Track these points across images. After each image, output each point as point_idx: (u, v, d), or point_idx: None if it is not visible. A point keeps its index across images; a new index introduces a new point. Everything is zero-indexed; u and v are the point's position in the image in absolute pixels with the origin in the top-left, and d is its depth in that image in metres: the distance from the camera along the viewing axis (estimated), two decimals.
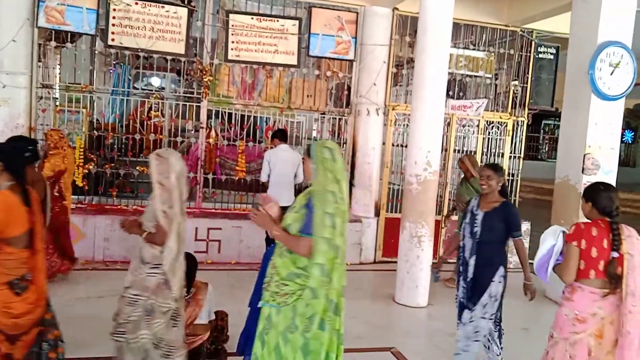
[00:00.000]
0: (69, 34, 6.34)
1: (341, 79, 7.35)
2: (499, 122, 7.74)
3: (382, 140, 7.23)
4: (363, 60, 7.06)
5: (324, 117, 7.49)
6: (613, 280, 2.83)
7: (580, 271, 2.89)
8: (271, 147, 6.30)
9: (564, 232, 3.01)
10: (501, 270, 3.67)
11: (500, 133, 7.76)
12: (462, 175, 6.36)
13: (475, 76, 7.64)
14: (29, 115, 6.13)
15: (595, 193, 2.97)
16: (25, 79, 6.01)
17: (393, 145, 7.34)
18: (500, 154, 7.78)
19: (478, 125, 7.60)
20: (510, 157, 7.82)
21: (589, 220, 2.97)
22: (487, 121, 7.65)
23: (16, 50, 5.89)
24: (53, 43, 6.37)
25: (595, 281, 2.87)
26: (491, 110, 7.71)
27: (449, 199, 7.47)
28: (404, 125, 7.19)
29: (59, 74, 7.45)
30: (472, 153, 7.56)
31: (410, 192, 5.53)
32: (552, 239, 3.02)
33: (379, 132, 7.18)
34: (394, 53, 7.14)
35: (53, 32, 6.29)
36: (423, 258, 5.46)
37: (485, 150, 7.71)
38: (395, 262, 5.76)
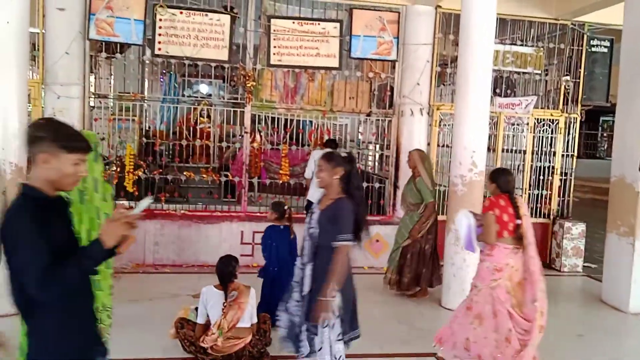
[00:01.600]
0: (119, 44, 6.56)
1: (384, 80, 7.28)
2: (550, 120, 7.45)
3: (427, 141, 7.10)
4: (406, 60, 6.95)
5: (367, 119, 7.43)
6: (519, 240, 3.78)
7: (496, 233, 3.77)
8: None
9: (471, 212, 3.94)
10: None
11: (552, 131, 7.46)
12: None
13: (524, 73, 7.38)
14: (82, 125, 6.37)
15: (498, 175, 3.98)
16: (78, 89, 6.25)
17: (438, 145, 7.19)
18: (553, 153, 7.48)
19: (528, 124, 7.34)
20: (563, 155, 7.51)
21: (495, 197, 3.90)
22: (537, 119, 7.38)
23: (69, 62, 6.13)
24: (104, 54, 6.63)
25: (508, 239, 3.78)
26: (541, 108, 7.43)
27: None
28: (449, 125, 7.04)
29: (111, 83, 7.73)
30: (522, 152, 7.32)
31: (455, 194, 5.39)
32: (466, 220, 3.84)
33: (424, 133, 7.05)
34: (438, 52, 7.00)
35: (103, 43, 6.54)
36: (470, 261, 5.30)
37: (536, 149, 7.44)
38: (442, 265, 5.64)
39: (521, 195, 3.77)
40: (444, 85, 7.75)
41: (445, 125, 7.14)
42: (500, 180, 3.94)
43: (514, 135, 7.41)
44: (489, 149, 6.17)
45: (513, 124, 7.37)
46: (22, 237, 1.75)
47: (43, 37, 6.11)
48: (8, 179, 4.56)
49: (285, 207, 4.80)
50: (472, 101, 5.30)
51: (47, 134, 1.86)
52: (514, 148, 7.37)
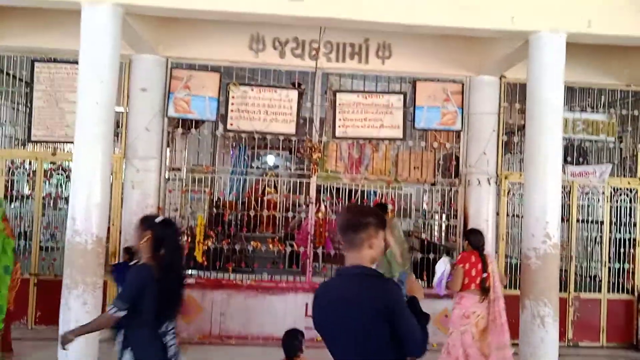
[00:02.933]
0: (194, 120, 6.95)
1: (449, 150, 7.23)
2: (627, 189, 7.05)
3: (496, 211, 6.88)
4: (471, 129, 6.91)
5: (432, 188, 7.34)
6: (485, 291, 4.51)
7: (465, 284, 4.55)
8: None
9: (450, 260, 4.76)
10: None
11: (631, 200, 7.05)
12: None
13: (596, 140, 7.12)
14: (157, 196, 6.69)
15: (471, 234, 4.82)
16: (155, 163, 6.62)
17: (508, 215, 6.95)
18: (633, 224, 7.03)
19: (604, 193, 6.99)
20: None
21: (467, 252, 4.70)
22: (613, 188, 7.02)
23: (148, 138, 6.55)
24: (180, 130, 7.04)
25: (475, 291, 4.56)
26: (617, 176, 7.08)
27: (575, 274, 6.83)
28: (518, 194, 6.82)
29: (185, 157, 8.14)
30: (598, 222, 6.92)
31: (529, 267, 5.12)
32: (443, 265, 4.68)
33: (492, 203, 6.85)
34: (504, 120, 6.92)
35: (180, 120, 6.96)
36: (548, 341, 4.94)
37: (614, 219, 7.03)
38: (516, 344, 5.26)
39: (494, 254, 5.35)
40: (511, 154, 7.59)
41: (514, 194, 6.93)
42: (472, 238, 4.80)
43: (589, 205, 7.06)
44: (562, 219, 5.90)
45: (587, 193, 7.04)
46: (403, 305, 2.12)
47: (126, 115, 6.60)
48: (89, 249, 4.79)
49: None
50: (543, 170, 5.14)
51: None
52: (590, 218, 6.99)
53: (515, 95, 6.88)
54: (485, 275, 4.51)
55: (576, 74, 6.44)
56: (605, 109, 7.17)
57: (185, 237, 6.80)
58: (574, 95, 7.11)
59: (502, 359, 4.23)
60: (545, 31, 5.13)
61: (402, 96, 6.98)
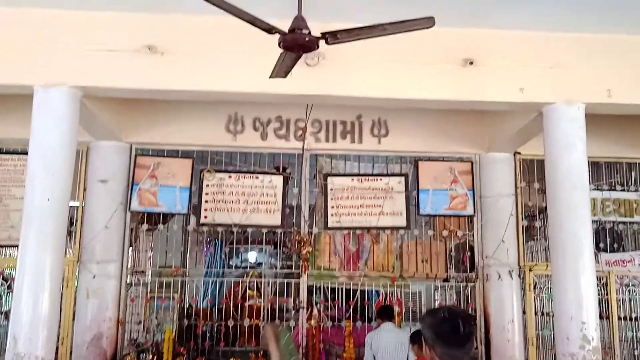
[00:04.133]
0: (161, 215, 6.97)
1: (461, 239, 7.24)
2: None
3: (522, 309, 6.79)
4: (485, 214, 6.98)
5: (445, 285, 7.27)
6: None
7: None
8: (376, 328, 6.23)
9: None
10: None
11: None
12: None
13: (631, 222, 7.19)
14: (117, 307, 6.55)
15: (418, 337, 4.04)
16: (115, 266, 6.55)
17: (536, 314, 6.85)
18: None
19: None
20: None
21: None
22: None
23: (108, 237, 6.52)
24: (145, 226, 7.02)
25: None
26: None
27: None
28: (546, 289, 6.77)
29: (150, 257, 8.05)
30: None
31: None
32: None
33: (517, 300, 6.78)
34: (522, 203, 7.01)
35: (145, 214, 6.97)
36: None
37: None
38: None
39: None
40: (533, 241, 7.61)
41: (541, 289, 6.87)
42: (420, 341, 4.47)
43: (630, 299, 7.00)
44: (601, 317, 5.81)
45: (627, 285, 7.00)
46: None
47: (82, 211, 6.60)
48: None
49: None
50: (573, 258, 5.13)
51: None
52: (634, 315, 6.91)
53: (533, 173, 7.01)
54: None
55: (600, 148, 6.62)
56: (638, 185, 7.30)
57: (151, 356, 6.58)
58: (599, 171, 7.25)
59: None
60: (560, 103, 5.33)
61: (403, 178, 7.10)
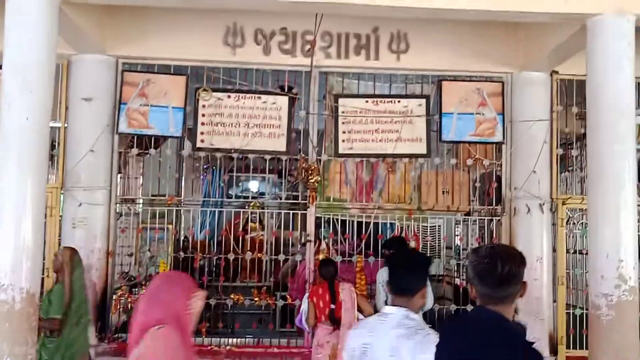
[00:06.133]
0: (153, 138, 6.95)
1: (487, 168, 7.23)
2: None
3: (552, 246, 6.86)
4: (515, 141, 6.93)
5: (467, 219, 7.32)
6: (334, 322, 5.74)
7: (317, 317, 5.84)
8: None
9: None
10: None
11: None
12: None
13: None
14: (106, 238, 6.65)
15: (321, 266, 6.13)
16: (103, 194, 6.60)
17: (567, 251, 6.93)
18: None
19: None
20: None
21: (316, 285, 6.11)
22: None
23: (94, 162, 6.54)
24: (135, 150, 7.02)
25: (326, 322, 5.80)
26: None
27: None
28: (581, 224, 6.80)
29: (141, 185, 8.11)
30: None
31: (599, 320, 5.07)
32: (305, 305, 5.99)
33: (547, 236, 6.84)
34: (558, 129, 6.95)
35: (135, 137, 6.96)
36: None
37: None
38: None
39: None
40: (568, 171, 7.60)
41: (575, 224, 6.91)
42: (322, 270, 6.04)
43: None
44: None
45: None
46: None
47: (65, 133, 6.59)
48: (17, 309, 4.72)
49: None
50: (613, 192, 5.12)
51: None
52: None
53: (572, 96, 6.92)
54: (333, 306, 5.72)
55: None
56: None
57: (143, 291, 6.74)
58: None
59: None
60: (608, 14, 5.17)
61: (424, 100, 7.02)
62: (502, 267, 2.32)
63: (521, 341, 2.35)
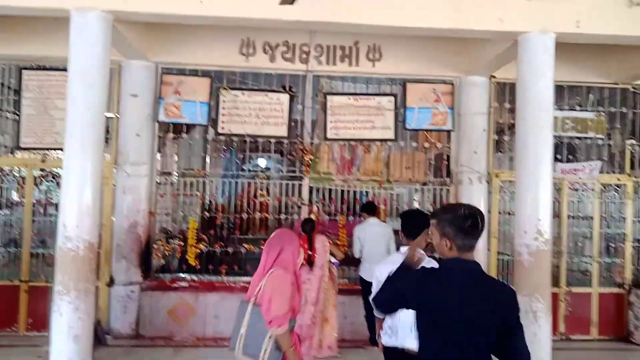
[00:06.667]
0: (185, 125, 6.92)
1: (440, 150, 7.25)
2: (616, 185, 7.12)
3: (488, 209, 6.91)
4: (462, 129, 6.94)
5: (423, 189, 7.36)
6: (310, 264, 5.77)
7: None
8: (360, 222, 6.40)
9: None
10: None
11: (620, 196, 7.11)
12: None
13: (585, 138, 7.18)
14: (149, 201, 6.66)
15: (304, 224, 5.97)
16: (146, 168, 6.59)
17: (500, 213, 6.99)
18: (623, 219, 7.10)
19: (593, 190, 7.05)
20: (633, 221, 7.10)
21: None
22: (603, 184, 7.08)
23: (139, 143, 6.52)
24: (171, 135, 7.00)
25: (305, 265, 5.63)
26: (607, 173, 7.14)
27: (567, 269, 6.89)
28: (510, 192, 6.86)
29: (176, 161, 8.08)
30: (589, 218, 7.00)
31: (521, 264, 5.16)
32: None
33: (484, 201, 6.87)
34: (494, 120, 6.96)
35: (171, 125, 6.92)
36: (541, 335, 4.98)
37: (604, 215, 7.10)
38: None
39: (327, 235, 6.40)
40: (501, 152, 7.62)
41: (505, 192, 6.97)
42: (303, 226, 6.00)
43: (579, 201, 7.12)
44: (554, 216, 5.93)
45: (577, 190, 7.10)
46: None
47: (117, 121, 6.55)
48: (81, 255, 4.76)
49: None
50: (534, 168, 5.18)
51: None
52: (581, 214, 7.06)
53: (505, 95, 6.92)
54: (310, 253, 5.79)
55: (565, 73, 6.48)
56: (594, 106, 7.23)
57: (178, 241, 6.77)
58: (562, 94, 7.16)
59: (311, 312, 5.63)
60: (534, 32, 5.17)
61: (392, 98, 7.00)
62: (481, 222, 2.28)
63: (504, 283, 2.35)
